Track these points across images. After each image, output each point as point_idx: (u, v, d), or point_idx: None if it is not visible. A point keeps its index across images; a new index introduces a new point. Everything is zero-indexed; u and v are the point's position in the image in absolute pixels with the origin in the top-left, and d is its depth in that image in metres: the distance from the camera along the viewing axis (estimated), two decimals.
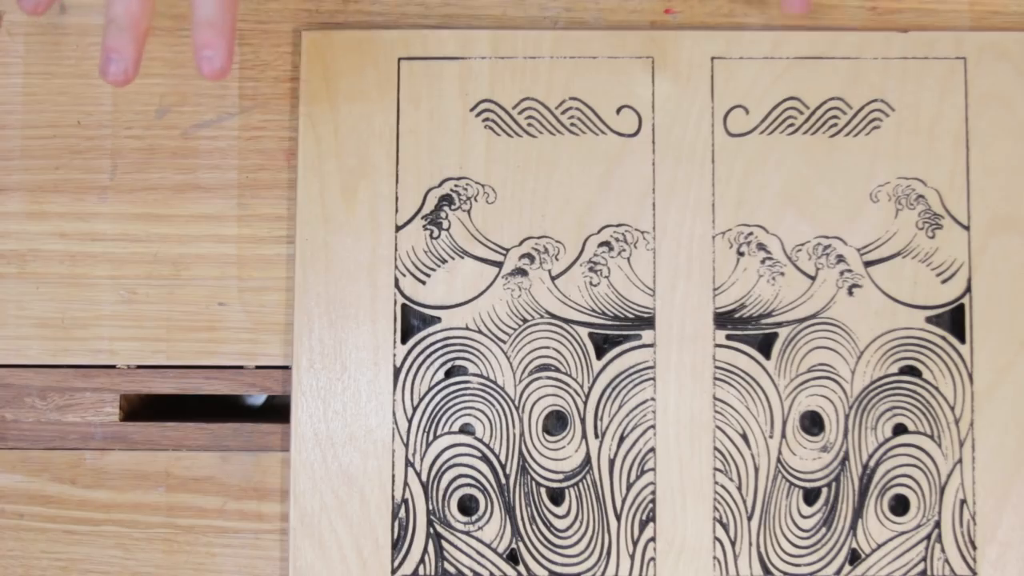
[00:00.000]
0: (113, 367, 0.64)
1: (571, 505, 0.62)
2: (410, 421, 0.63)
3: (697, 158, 0.64)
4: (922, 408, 0.63)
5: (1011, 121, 0.64)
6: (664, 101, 0.64)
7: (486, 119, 0.64)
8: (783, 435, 0.63)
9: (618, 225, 0.63)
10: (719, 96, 0.64)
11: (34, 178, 0.65)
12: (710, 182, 0.64)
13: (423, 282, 0.63)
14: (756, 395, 0.63)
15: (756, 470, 0.62)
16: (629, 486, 0.62)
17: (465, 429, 0.63)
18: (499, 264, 0.63)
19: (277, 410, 0.69)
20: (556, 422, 0.63)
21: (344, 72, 0.64)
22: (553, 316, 0.63)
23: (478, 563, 0.62)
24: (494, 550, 0.62)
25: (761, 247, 0.63)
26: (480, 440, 0.63)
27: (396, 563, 0.62)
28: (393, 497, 0.62)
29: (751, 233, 0.63)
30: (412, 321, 0.63)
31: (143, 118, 0.65)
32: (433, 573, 0.62)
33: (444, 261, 0.63)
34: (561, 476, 0.63)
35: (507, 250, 0.63)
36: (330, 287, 0.63)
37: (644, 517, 0.62)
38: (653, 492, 0.62)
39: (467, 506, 0.63)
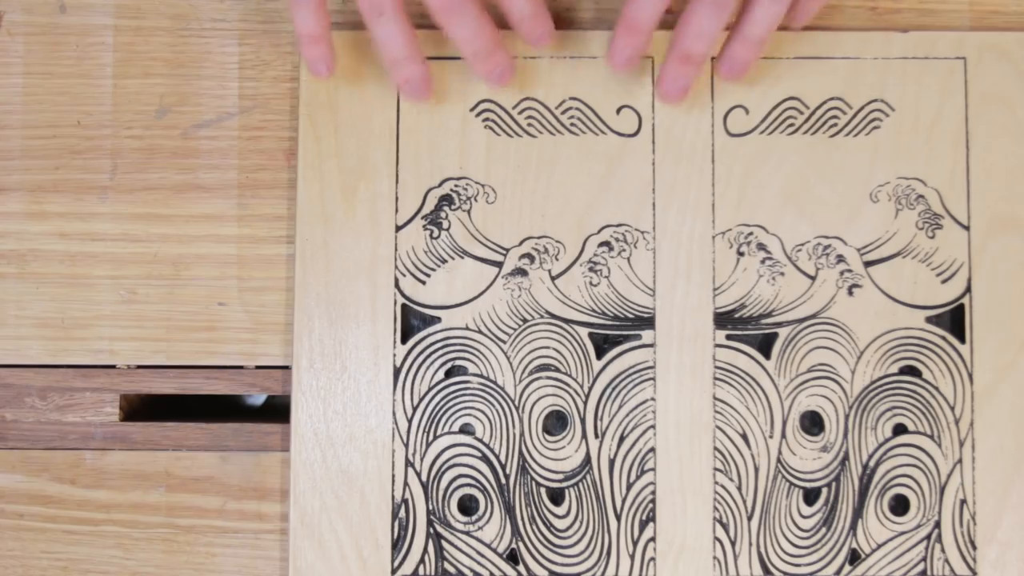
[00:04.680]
0: (113, 367, 0.64)
1: (571, 505, 0.62)
2: (410, 421, 0.63)
3: (697, 158, 0.64)
4: (922, 408, 0.63)
5: (1011, 121, 0.64)
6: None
7: (486, 119, 0.64)
8: (783, 435, 0.63)
9: (618, 225, 0.63)
10: (719, 96, 0.64)
11: (34, 178, 0.65)
12: (710, 182, 0.64)
13: (423, 282, 0.63)
14: (756, 395, 0.63)
15: (756, 470, 0.62)
16: (629, 486, 0.62)
17: (465, 429, 0.63)
18: (499, 264, 0.63)
19: (277, 410, 0.69)
20: (556, 422, 0.63)
21: (344, 72, 0.64)
22: (553, 316, 0.63)
23: (478, 563, 0.62)
24: (494, 550, 0.62)
25: (761, 247, 0.63)
26: (480, 440, 0.63)
27: (396, 563, 0.62)
28: (393, 497, 0.62)
29: (751, 233, 0.63)
30: (412, 321, 0.63)
31: (143, 118, 0.65)
32: (433, 573, 0.62)
33: (444, 261, 0.63)
34: (561, 476, 0.63)
35: (507, 250, 0.63)
36: (330, 287, 0.63)
37: (644, 517, 0.62)
38: (653, 492, 0.62)
39: (467, 506, 0.63)
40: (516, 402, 0.63)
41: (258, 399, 0.72)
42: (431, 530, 0.62)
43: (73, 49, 0.65)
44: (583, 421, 0.63)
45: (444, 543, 0.62)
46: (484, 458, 0.63)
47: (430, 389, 0.63)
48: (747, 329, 0.63)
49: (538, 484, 0.63)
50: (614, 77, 0.64)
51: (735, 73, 0.61)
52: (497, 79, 0.62)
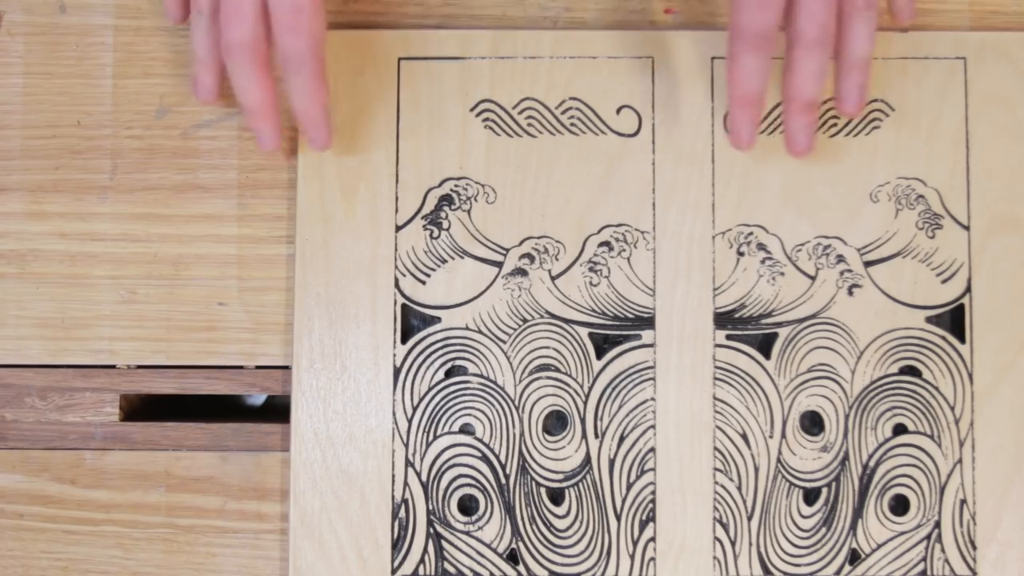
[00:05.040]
0: (113, 367, 0.64)
1: (571, 505, 0.62)
2: (410, 421, 0.63)
3: (697, 158, 0.64)
4: (922, 408, 0.63)
5: (1011, 121, 0.64)
6: (664, 101, 0.64)
7: (486, 119, 0.64)
8: (783, 435, 0.63)
9: (618, 225, 0.63)
10: (719, 96, 0.64)
11: (34, 178, 0.65)
12: (710, 182, 0.64)
13: (423, 282, 0.63)
14: (756, 395, 0.63)
15: (756, 470, 0.62)
16: (629, 486, 0.62)
17: (465, 429, 0.63)
18: (499, 264, 0.63)
19: (277, 410, 0.69)
20: (556, 422, 0.63)
21: (344, 72, 0.64)
22: (553, 316, 0.63)
23: (478, 563, 0.62)
24: (494, 550, 0.62)
25: (761, 247, 0.63)
26: (480, 440, 0.63)
27: (396, 563, 0.62)
28: (393, 497, 0.62)
29: (751, 233, 0.63)
30: (412, 321, 0.63)
31: (143, 118, 0.65)
32: (433, 573, 0.62)
33: (444, 261, 0.63)
34: (561, 476, 0.63)
35: (507, 250, 0.63)
36: (330, 287, 0.63)
37: (644, 517, 0.62)
38: (653, 492, 0.62)
39: (467, 506, 0.63)
40: (516, 402, 0.63)
41: (258, 399, 0.72)
42: (431, 530, 0.62)
43: (73, 49, 0.65)
44: (583, 421, 0.63)
45: (444, 543, 0.62)
46: (484, 458, 0.63)
47: (430, 389, 0.63)
48: (747, 329, 0.63)
49: (538, 484, 0.63)
50: (614, 77, 0.64)
51: (860, 102, 0.60)
52: (260, 143, 0.61)
